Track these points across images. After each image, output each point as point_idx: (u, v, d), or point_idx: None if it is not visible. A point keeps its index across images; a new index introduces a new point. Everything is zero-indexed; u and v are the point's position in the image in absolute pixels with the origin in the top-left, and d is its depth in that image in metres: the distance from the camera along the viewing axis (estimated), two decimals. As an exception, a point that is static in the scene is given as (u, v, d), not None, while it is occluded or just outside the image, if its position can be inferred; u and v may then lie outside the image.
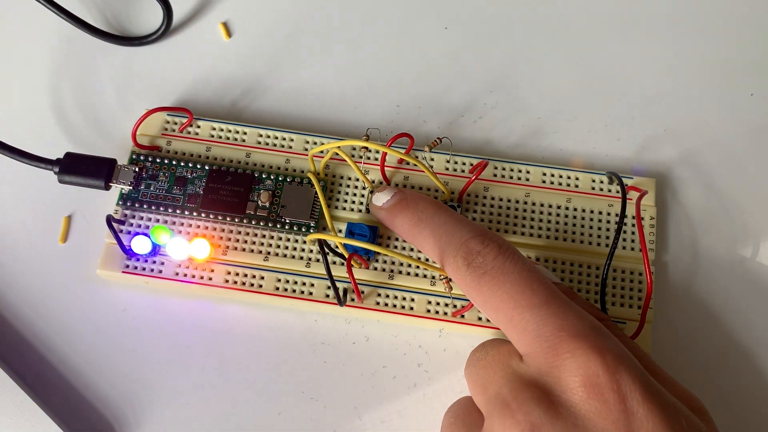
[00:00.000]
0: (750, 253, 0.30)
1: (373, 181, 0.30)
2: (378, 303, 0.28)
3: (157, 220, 0.29)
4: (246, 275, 0.29)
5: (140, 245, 0.28)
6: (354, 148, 0.31)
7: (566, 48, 0.34)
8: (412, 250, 0.29)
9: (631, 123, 0.32)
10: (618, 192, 0.30)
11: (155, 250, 0.29)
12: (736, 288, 0.29)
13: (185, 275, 0.29)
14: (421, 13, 0.34)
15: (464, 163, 0.30)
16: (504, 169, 0.30)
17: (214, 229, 0.29)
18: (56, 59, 0.33)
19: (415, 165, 0.30)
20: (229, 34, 0.34)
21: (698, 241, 0.30)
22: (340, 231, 0.29)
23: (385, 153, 0.29)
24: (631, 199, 0.29)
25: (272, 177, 0.30)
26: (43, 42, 0.34)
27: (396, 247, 0.29)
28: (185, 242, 0.28)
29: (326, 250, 0.27)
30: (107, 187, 0.29)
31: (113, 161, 0.30)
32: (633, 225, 0.29)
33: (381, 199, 0.28)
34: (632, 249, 0.29)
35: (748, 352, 0.29)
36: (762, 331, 0.29)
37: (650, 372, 0.22)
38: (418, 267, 0.29)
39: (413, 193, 0.28)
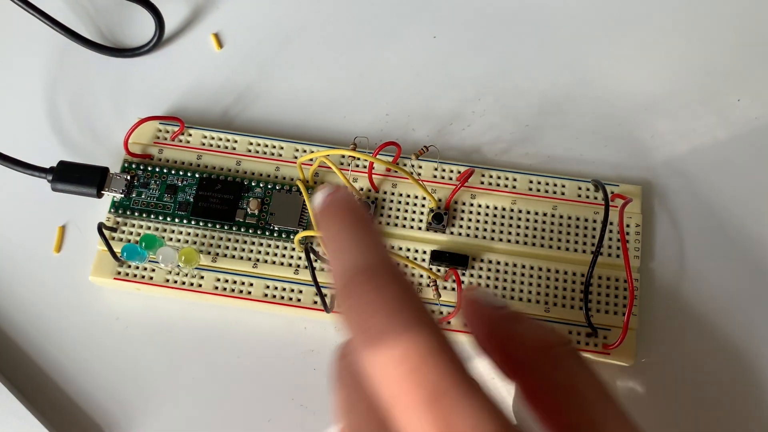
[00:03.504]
0: (737, 259, 0.30)
1: (361, 189, 0.30)
2: (365, 309, 0.29)
3: (149, 228, 0.30)
4: (235, 282, 0.29)
5: (131, 253, 0.29)
6: (343, 156, 0.31)
7: (553, 55, 0.34)
8: (401, 248, 0.29)
9: (619, 130, 0.32)
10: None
11: (145, 257, 0.29)
12: (722, 294, 0.29)
13: (175, 282, 0.29)
14: (409, 22, 0.35)
15: (452, 171, 0.31)
16: (491, 176, 0.30)
17: (204, 236, 0.30)
18: (50, 70, 0.34)
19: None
20: (220, 44, 0.34)
21: (685, 248, 0.30)
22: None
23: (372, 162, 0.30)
24: (616, 207, 0.29)
25: (261, 185, 0.30)
26: (37, 54, 0.34)
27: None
28: (174, 251, 0.29)
29: (313, 256, 0.27)
30: (99, 195, 0.30)
31: (105, 169, 0.30)
32: (618, 232, 0.29)
33: (314, 200, 0.21)
34: (617, 256, 0.29)
35: (734, 358, 0.29)
36: (748, 338, 0.29)
37: None
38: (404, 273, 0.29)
39: (333, 201, 0.20)
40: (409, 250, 0.29)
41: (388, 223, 0.30)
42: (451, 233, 0.30)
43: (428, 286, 0.29)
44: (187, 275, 0.29)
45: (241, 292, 0.29)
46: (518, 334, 0.19)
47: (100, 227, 0.28)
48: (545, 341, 0.19)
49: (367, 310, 0.16)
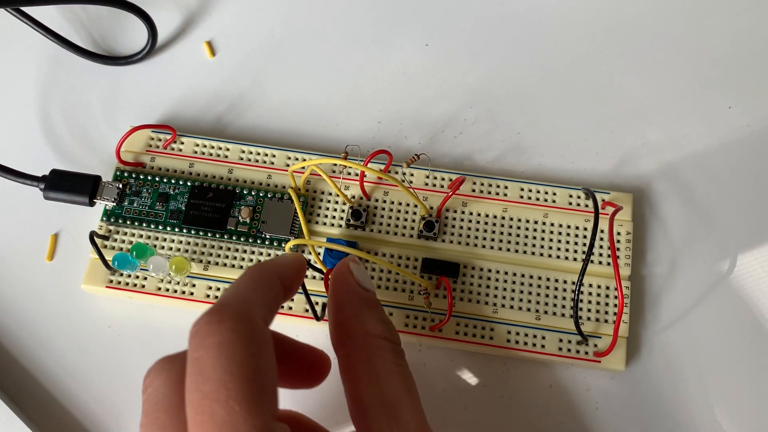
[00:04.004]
0: (728, 266, 0.30)
1: (353, 197, 0.30)
2: (356, 318, 0.29)
3: (141, 236, 0.30)
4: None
5: (122, 262, 0.29)
6: (334, 164, 0.31)
7: (545, 63, 0.34)
8: (392, 256, 0.29)
9: (610, 137, 0.32)
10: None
11: (136, 266, 0.29)
12: (714, 301, 0.30)
13: (167, 290, 0.29)
14: (402, 30, 0.35)
15: (443, 179, 0.31)
16: (482, 184, 0.31)
17: (196, 244, 0.30)
18: (43, 78, 0.34)
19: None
20: (213, 52, 0.34)
21: (676, 255, 0.30)
22: (320, 246, 0.30)
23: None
24: (606, 214, 0.29)
25: (253, 193, 0.30)
26: (29, 62, 0.34)
27: (377, 254, 0.29)
28: (165, 260, 0.29)
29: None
30: (92, 204, 0.30)
31: (98, 178, 0.30)
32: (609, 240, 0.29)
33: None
34: (608, 264, 0.29)
35: (725, 366, 0.29)
36: (739, 344, 0.29)
37: None
38: (396, 281, 0.29)
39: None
40: (400, 257, 0.29)
41: (379, 231, 0.30)
42: (443, 241, 0.30)
43: (420, 294, 0.29)
44: (179, 283, 0.29)
45: (233, 300, 0.29)
46: (364, 316, 0.23)
47: (92, 236, 0.28)
48: (380, 332, 0.23)
49: (204, 370, 0.18)
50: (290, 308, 0.29)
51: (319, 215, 0.30)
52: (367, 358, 0.22)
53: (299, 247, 0.29)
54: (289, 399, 0.28)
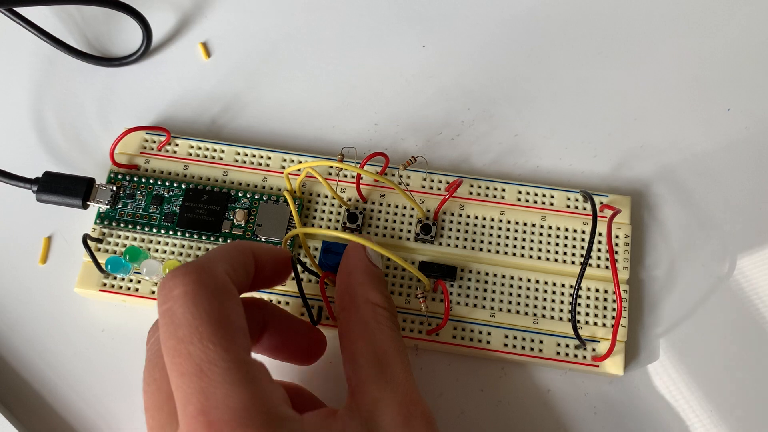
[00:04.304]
0: (727, 269, 0.30)
1: (349, 200, 0.30)
2: (352, 321, 0.28)
3: (135, 239, 0.30)
4: (221, 294, 0.29)
5: (115, 266, 0.28)
6: (331, 167, 0.31)
7: (543, 65, 0.34)
8: (389, 259, 0.29)
9: (608, 139, 0.32)
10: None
11: (130, 270, 0.29)
12: (713, 304, 0.29)
13: (161, 294, 0.29)
14: (399, 32, 0.34)
15: (440, 181, 0.30)
16: (480, 187, 0.30)
17: (191, 247, 0.29)
18: (37, 80, 0.34)
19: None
20: (208, 54, 0.34)
21: (675, 258, 0.30)
22: (316, 249, 0.29)
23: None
24: (605, 218, 0.29)
25: (248, 196, 0.30)
26: (23, 63, 0.34)
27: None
28: (158, 263, 0.28)
29: (300, 268, 0.27)
30: (85, 206, 0.30)
31: (91, 180, 0.30)
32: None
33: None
34: (606, 267, 0.29)
35: (724, 369, 0.28)
36: (738, 348, 0.29)
37: None
38: (393, 285, 0.29)
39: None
40: (397, 261, 0.29)
41: (376, 234, 0.30)
42: (440, 244, 0.29)
43: (417, 297, 0.28)
44: (173, 287, 0.29)
45: (228, 303, 0.29)
46: (368, 285, 0.25)
47: (85, 239, 0.28)
48: (380, 302, 0.25)
49: (174, 318, 0.20)
50: (285, 312, 0.29)
51: (315, 218, 0.30)
52: (364, 320, 0.24)
53: (294, 248, 0.29)
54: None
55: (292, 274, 0.26)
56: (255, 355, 0.22)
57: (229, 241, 0.29)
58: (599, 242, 0.29)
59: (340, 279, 0.26)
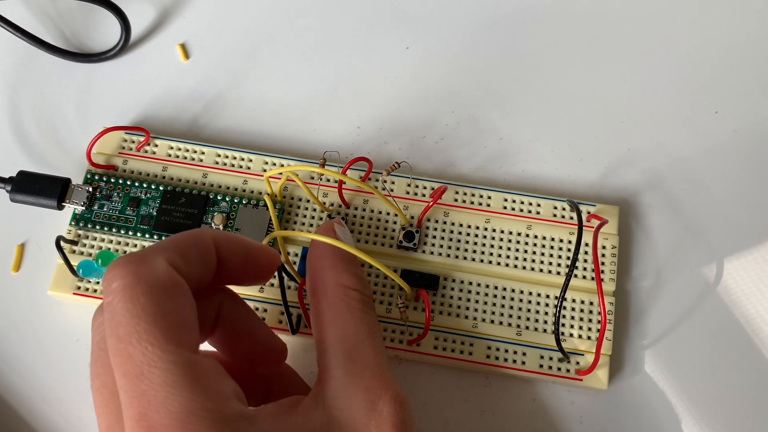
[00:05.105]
0: (713, 278, 0.29)
1: (332, 205, 0.29)
2: (332, 330, 0.28)
3: (110, 242, 0.29)
4: (198, 299, 0.28)
5: (87, 270, 0.28)
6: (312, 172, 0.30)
7: (528, 66, 0.33)
8: (371, 267, 0.28)
9: (595, 142, 0.31)
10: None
11: (102, 274, 0.28)
12: (700, 315, 0.29)
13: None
14: (382, 33, 0.34)
15: (425, 187, 0.30)
16: (465, 194, 0.30)
17: (167, 251, 0.29)
18: (10, 77, 0.33)
19: (375, 187, 0.29)
20: (187, 55, 0.33)
21: (662, 268, 0.29)
22: (296, 255, 0.29)
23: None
24: (591, 227, 0.28)
25: (227, 199, 0.29)
26: (-2, 59, 0.33)
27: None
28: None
29: (284, 275, 0.26)
30: (60, 207, 0.29)
31: (67, 180, 0.29)
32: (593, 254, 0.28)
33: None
34: (592, 279, 0.28)
35: (710, 380, 0.28)
36: (725, 358, 0.28)
37: None
38: (374, 292, 0.28)
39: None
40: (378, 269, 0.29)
41: (358, 241, 0.29)
42: (423, 252, 0.29)
43: (398, 307, 0.28)
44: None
45: (205, 310, 0.28)
46: (338, 268, 0.24)
47: (58, 240, 0.27)
48: (351, 284, 0.24)
49: (115, 315, 0.19)
50: (263, 319, 0.28)
51: (296, 223, 0.29)
52: (334, 304, 0.23)
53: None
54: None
55: (274, 280, 0.25)
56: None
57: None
58: (585, 252, 0.29)
59: (310, 263, 0.25)
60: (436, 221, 0.29)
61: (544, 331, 0.28)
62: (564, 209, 0.29)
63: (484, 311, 0.28)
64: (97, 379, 0.21)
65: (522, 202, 0.29)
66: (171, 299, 0.20)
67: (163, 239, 0.22)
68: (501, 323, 0.28)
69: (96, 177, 0.30)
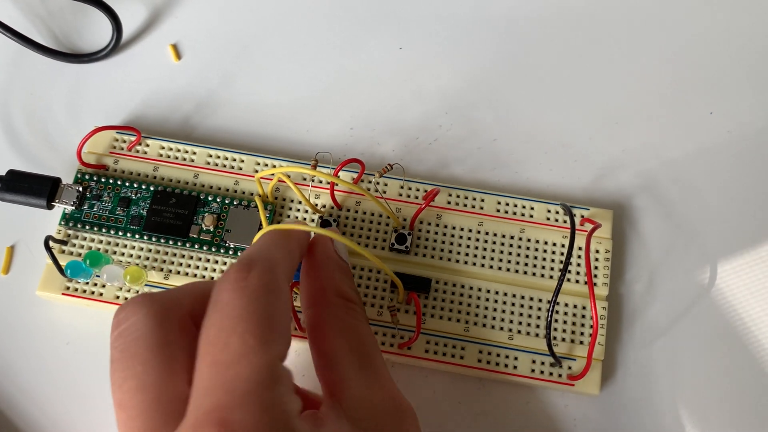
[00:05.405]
0: (707, 281, 0.29)
1: (323, 206, 0.29)
2: (322, 333, 0.27)
3: (100, 242, 0.29)
4: (188, 301, 0.28)
5: (75, 270, 0.27)
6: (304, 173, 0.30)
7: (521, 67, 0.33)
8: (362, 269, 0.28)
9: (589, 144, 0.31)
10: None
11: (90, 275, 0.28)
12: (692, 318, 0.29)
13: (126, 299, 0.28)
14: (375, 34, 0.33)
15: (418, 190, 0.30)
16: (458, 196, 0.29)
17: (157, 252, 0.28)
18: (2, 77, 0.33)
19: (367, 189, 0.29)
20: (178, 56, 0.33)
21: (656, 271, 0.29)
22: (287, 257, 0.28)
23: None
24: (585, 231, 0.28)
25: (218, 200, 0.29)
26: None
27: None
28: (120, 269, 0.28)
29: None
30: (50, 207, 0.29)
31: (57, 180, 0.29)
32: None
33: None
34: (585, 283, 0.28)
35: (703, 384, 0.28)
36: (717, 362, 0.28)
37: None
38: (365, 295, 0.28)
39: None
40: (371, 271, 0.28)
41: (349, 243, 0.29)
42: (415, 254, 0.28)
43: (389, 309, 0.27)
44: (138, 292, 0.28)
45: (194, 311, 0.28)
46: (337, 279, 0.24)
47: (47, 240, 0.27)
48: (351, 297, 0.24)
49: (227, 306, 0.20)
50: (254, 321, 0.28)
51: (287, 224, 0.29)
52: (338, 314, 0.23)
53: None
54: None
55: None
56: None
57: (197, 246, 0.28)
58: (579, 257, 0.28)
59: (308, 273, 0.25)
60: (429, 223, 0.29)
61: (537, 335, 0.27)
62: (557, 212, 0.29)
63: (476, 315, 0.28)
64: (134, 379, 0.20)
65: (515, 205, 0.29)
66: (280, 308, 0.21)
67: (266, 243, 0.23)
68: (493, 327, 0.27)
69: (86, 177, 0.29)
